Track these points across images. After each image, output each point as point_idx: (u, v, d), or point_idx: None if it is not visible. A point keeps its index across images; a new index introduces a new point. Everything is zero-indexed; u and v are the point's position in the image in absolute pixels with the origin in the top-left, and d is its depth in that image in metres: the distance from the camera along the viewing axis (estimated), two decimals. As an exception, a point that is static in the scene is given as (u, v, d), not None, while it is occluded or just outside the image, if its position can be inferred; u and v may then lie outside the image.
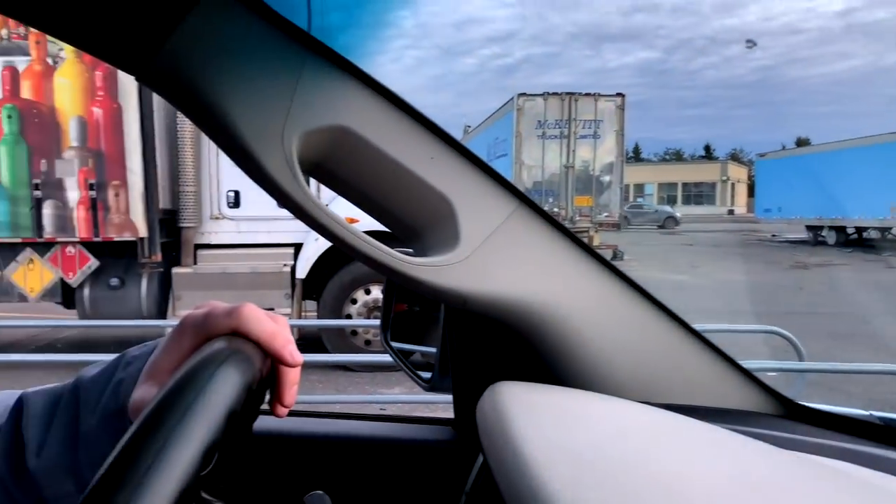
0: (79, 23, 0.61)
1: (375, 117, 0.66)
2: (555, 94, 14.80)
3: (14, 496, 0.63)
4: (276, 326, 0.57)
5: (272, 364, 0.58)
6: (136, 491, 0.36)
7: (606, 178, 15.16)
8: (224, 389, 0.45)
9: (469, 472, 0.79)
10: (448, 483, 0.93)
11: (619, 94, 14.99)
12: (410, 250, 0.73)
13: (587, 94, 14.83)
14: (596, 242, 14.45)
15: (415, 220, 0.71)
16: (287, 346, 0.57)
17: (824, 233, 21.70)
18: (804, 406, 0.81)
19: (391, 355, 1.14)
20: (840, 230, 21.22)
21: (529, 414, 0.59)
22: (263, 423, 0.97)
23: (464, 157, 0.70)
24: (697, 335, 0.79)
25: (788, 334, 4.03)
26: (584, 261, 0.75)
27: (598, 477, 0.48)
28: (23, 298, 6.65)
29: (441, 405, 4.40)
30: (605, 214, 15.16)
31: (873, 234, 20.64)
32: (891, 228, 19.94)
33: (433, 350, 1.01)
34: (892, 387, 3.86)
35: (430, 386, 1.00)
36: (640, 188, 56.70)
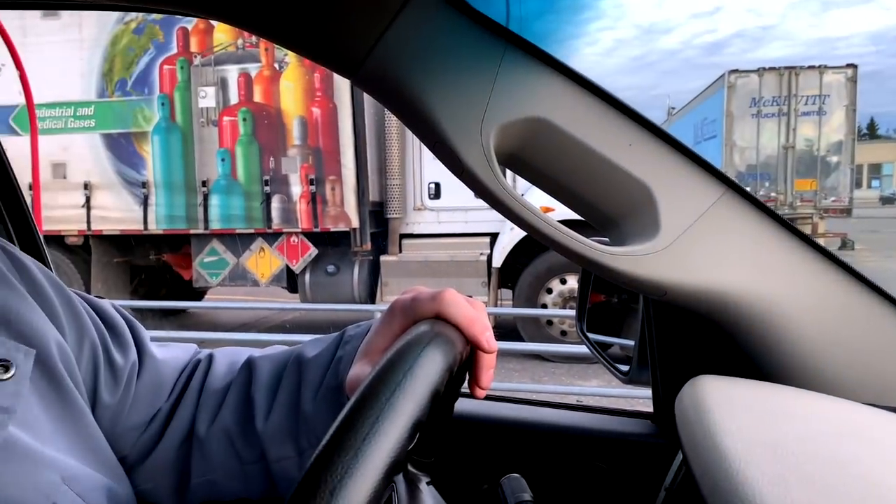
0: (299, 30, 0.67)
1: (571, 106, 0.66)
2: (772, 68, 13.59)
3: (238, 451, 0.72)
4: (474, 312, 0.60)
5: (471, 348, 0.60)
6: (356, 456, 0.39)
7: (834, 159, 13.65)
8: (428, 369, 0.48)
9: (669, 467, 0.77)
10: (647, 477, 0.90)
11: (849, 65, 13.42)
12: (607, 239, 0.72)
13: (810, 67, 13.46)
14: (821, 230, 13.06)
15: (612, 209, 0.69)
16: (484, 332, 0.60)
17: None
18: None
19: (588, 346, 1.13)
20: None
21: (732, 408, 0.56)
22: (464, 405, 1.01)
23: (664, 143, 0.67)
24: None
25: None
26: (800, 250, 0.69)
27: (806, 476, 0.44)
28: (255, 283, 7.50)
29: (641, 399, 4.26)
30: (833, 199, 13.66)
31: None
32: None
33: (631, 343, 0.98)
34: None
35: (628, 378, 0.98)
36: (875, 168, 50.36)
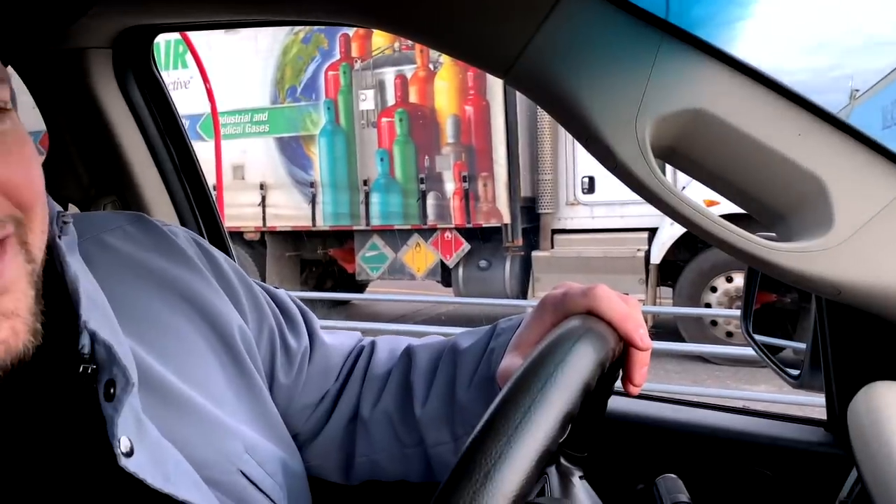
0: (452, 33, 0.70)
1: (734, 96, 0.63)
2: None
3: (399, 434, 0.77)
4: (627, 309, 0.59)
5: (624, 345, 0.60)
6: (509, 442, 0.41)
7: None
8: (579, 364, 0.48)
9: (844, 479, 0.71)
10: (818, 488, 0.84)
11: None
12: (773, 235, 0.68)
13: None
14: None
15: (779, 203, 0.66)
16: (638, 328, 0.59)
17: None
18: None
19: (753, 348, 1.07)
20: None
21: None
22: (618, 404, 1.00)
23: (839, 130, 0.62)
24: None
25: None
26: None
27: None
28: (411, 277, 7.79)
29: (818, 408, 3.93)
30: None
31: None
32: None
33: (802, 346, 0.92)
34: None
35: (799, 383, 0.92)
36: None
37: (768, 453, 0.91)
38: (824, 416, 0.91)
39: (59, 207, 0.61)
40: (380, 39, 7.49)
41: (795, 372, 0.94)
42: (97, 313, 0.56)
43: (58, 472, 0.52)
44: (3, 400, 0.52)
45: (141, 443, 0.52)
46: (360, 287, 9.03)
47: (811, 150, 0.62)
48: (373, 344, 0.85)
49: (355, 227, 7.77)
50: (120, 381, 0.52)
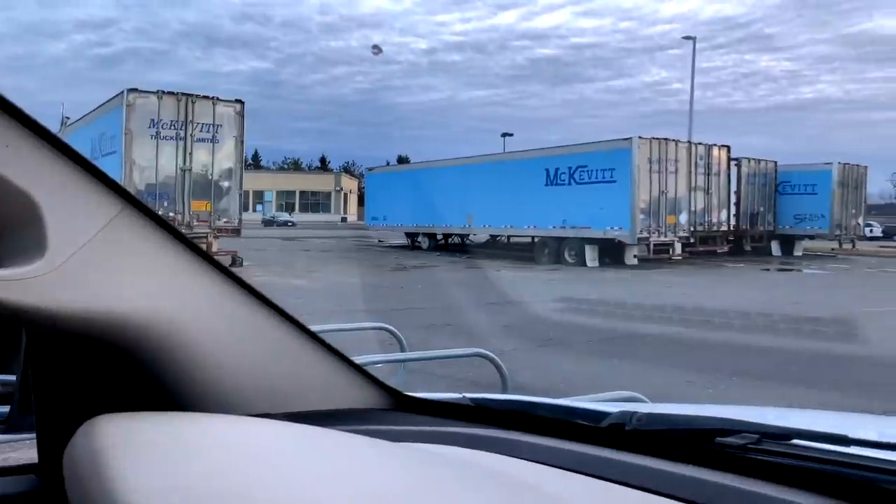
0: None
1: None
2: (170, 93, 14.11)
3: None
4: None
5: None
6: None
7: (226, 184, 14.97)
8: None
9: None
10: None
11: (238, 101, 14.98)
12: (-25, 261, 0.58)
13: (205, 97, 14.50)
14: (214, 248, 14.12)
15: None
16: None
17: (419, 239, 24.68)
18: (408, 396, 0.88)
19: None
20: (431, 236, 24.43)
21: (133, 450, 0.51)
22: None
23: (54, 149, 0.58)
24: (314, 337, 0.80)
25: (393, 329, 4.44)
26: (200, 268, 0.69)
27: None
28: None
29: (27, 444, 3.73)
30: (225, 220, 14.98)
31: (456, 240, 24.23)
32: (468, 235, 23.75)
33: (12, 378, 0.84)
34: (478, 369, 4.54)
35: (7, 426, 0.83)
36: (259, 195, 57.07)
37: None
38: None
39: None
40: None
41: (5, 410, 0.84)
42: None
43: None
44: None
45: None
46: None
47: (21, 166, 0.56)
48: None
49: None
50: None
